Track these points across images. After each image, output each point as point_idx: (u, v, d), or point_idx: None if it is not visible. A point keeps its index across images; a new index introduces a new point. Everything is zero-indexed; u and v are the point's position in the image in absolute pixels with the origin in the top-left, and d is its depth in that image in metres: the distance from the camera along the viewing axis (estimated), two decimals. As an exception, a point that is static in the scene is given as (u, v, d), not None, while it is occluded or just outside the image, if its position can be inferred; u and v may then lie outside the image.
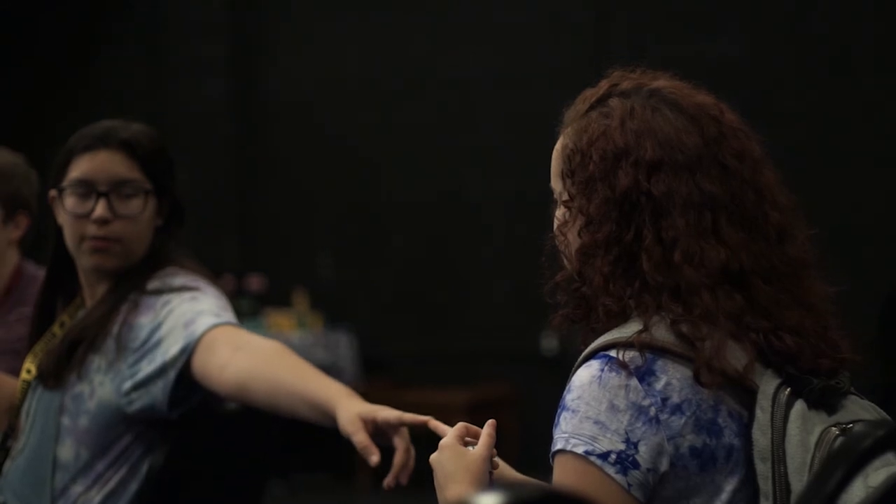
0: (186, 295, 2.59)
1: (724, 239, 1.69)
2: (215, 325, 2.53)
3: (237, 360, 2.47)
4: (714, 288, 1.67)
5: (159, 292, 2.60)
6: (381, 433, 2.29)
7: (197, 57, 7.94)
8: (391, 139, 7.70)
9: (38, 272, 2.97)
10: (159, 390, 2.52)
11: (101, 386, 2.57)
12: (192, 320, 2.54)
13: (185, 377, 2.52)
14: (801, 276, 1.74)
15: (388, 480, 2.28)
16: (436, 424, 2.10)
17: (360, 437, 2.28)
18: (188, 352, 2.51)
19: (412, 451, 2.29)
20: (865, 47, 6.90)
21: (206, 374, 2.50)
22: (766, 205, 1.74)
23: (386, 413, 2.29)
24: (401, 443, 2.30)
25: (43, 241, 2.77)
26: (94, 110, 2.67)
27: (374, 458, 2.26)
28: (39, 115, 7.84)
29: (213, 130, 7.88)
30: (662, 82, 1.78)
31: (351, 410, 2.30)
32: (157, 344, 2.54)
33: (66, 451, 2.58)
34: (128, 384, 2.54)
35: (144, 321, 2.57)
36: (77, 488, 2.57)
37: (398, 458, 2.29)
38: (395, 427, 2.29)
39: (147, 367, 2.53)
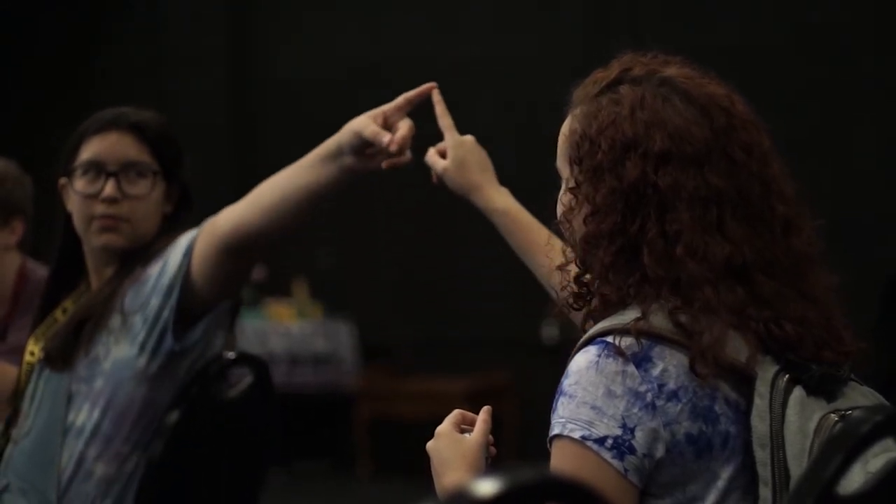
0: (190, 230, 2.64)
1: (728, 234, 1.68)
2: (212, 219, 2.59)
3: (233, 208, 2.55)
4: (716, 282, 1.67)
5: (165, 246, 2.62)
6: (389, 128, 2.38)
7: (196, 48, 7.94)
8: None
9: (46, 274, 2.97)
10: (167, 314, 2.56)
11: (116, 344, 2.58)
12: (192, 234, 2.59)
13: (187, 298, 2.55)
14: (805, 270, 1.73)
15: (392, 148, 2.36)
16: (438, 98, 2.38)
17: (371, 128, 2.38)
18: (189, 253, 2.55)
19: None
20: (865, 35, 6.89)
21: (207, 247, 2.54)
22: (773, 198, 1.73)
23: (388, 105, 2.40)
24: (405, 122, 2.40)
25: (44, 242, 2.79)
26: (93, 105, 2.70)
27: (386, 138, 2.35)
28: (39, 114, 7.84)
29: (212, 122, 7.88)
30: (674, 70, 1.76)
31: (356, 118, 2.40)
32: (163, 272, 2.58)
33: (82, 415, 2.59)
34: (141, 334, 2.56)
35: (153, 272, 2.60)
36: (90, 452, 2.57)
37: (403, 129, 2.38)
38: (401, 111, 2.41)
39: (155, 301, 2.57)
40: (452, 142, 2.36)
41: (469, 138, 2.37)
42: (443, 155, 2.36)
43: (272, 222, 2.51)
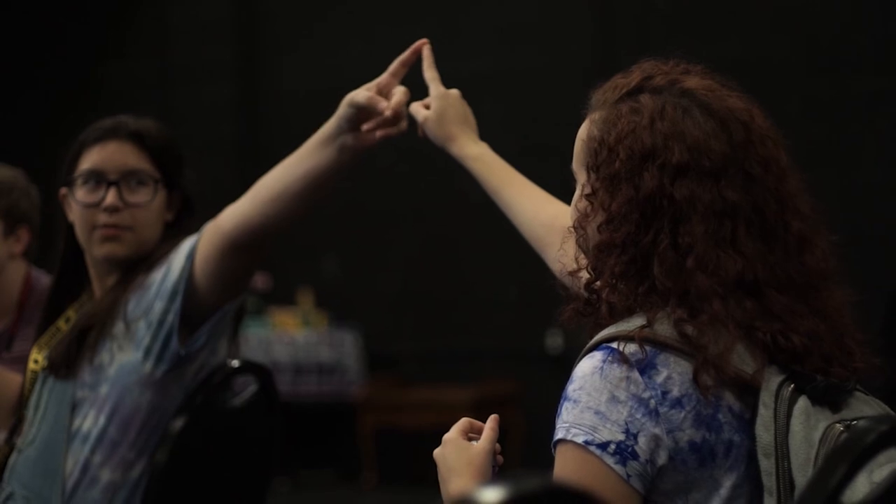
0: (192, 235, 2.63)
1: (741, 249, 1.68)
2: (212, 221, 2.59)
3: (236, 204, 2.56)
4: (725, 296, 1.66)
5: (168, 252, 2.62)
6: (385, 95, 2.41)
7: (202, 61, 7.95)
8: (395, 138, 7.70)
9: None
10: (172, 318, 2.56)
11: (121, 351, 2.59)
12: (194, 238, 2.59)
13: (191, 301, 2.55)
14: (818, 287, 1.73)
15: (387, 113, 2.38)
16: (427, 52, 2.41)
17: (364, 94, 2.40)
18: (192, 256, 2.55)
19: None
20: (865, 45, 6.89)
21: (212, 247, 2.53)
22: (788, 214, 1.72)
23: (383, 74, 2.43)
24: (399, 89, 2.42)
25: (49, 252, 2.79)
26: (100, 118, 2.70)
27: (383, 104, 2.38)
28: (46, 126, 7.85)
29: (219, 133, 7.89)
30: (695, 81, 1.76)
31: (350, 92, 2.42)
32: (166, 277, 2.58)
33: (88, 421, 2.59)
34: (146, 339, 2.56)
35: (156, 277, 2.60)
36: (96, 458, 2.57)
37: (397, 96, 2.40)
38: (396, 76, 2.44)
39: (159, 306, 2.57)
40: (436, 93, 2.41)
41: (454, 92, 2.41)
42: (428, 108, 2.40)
43: (275, 214, 2.50)
